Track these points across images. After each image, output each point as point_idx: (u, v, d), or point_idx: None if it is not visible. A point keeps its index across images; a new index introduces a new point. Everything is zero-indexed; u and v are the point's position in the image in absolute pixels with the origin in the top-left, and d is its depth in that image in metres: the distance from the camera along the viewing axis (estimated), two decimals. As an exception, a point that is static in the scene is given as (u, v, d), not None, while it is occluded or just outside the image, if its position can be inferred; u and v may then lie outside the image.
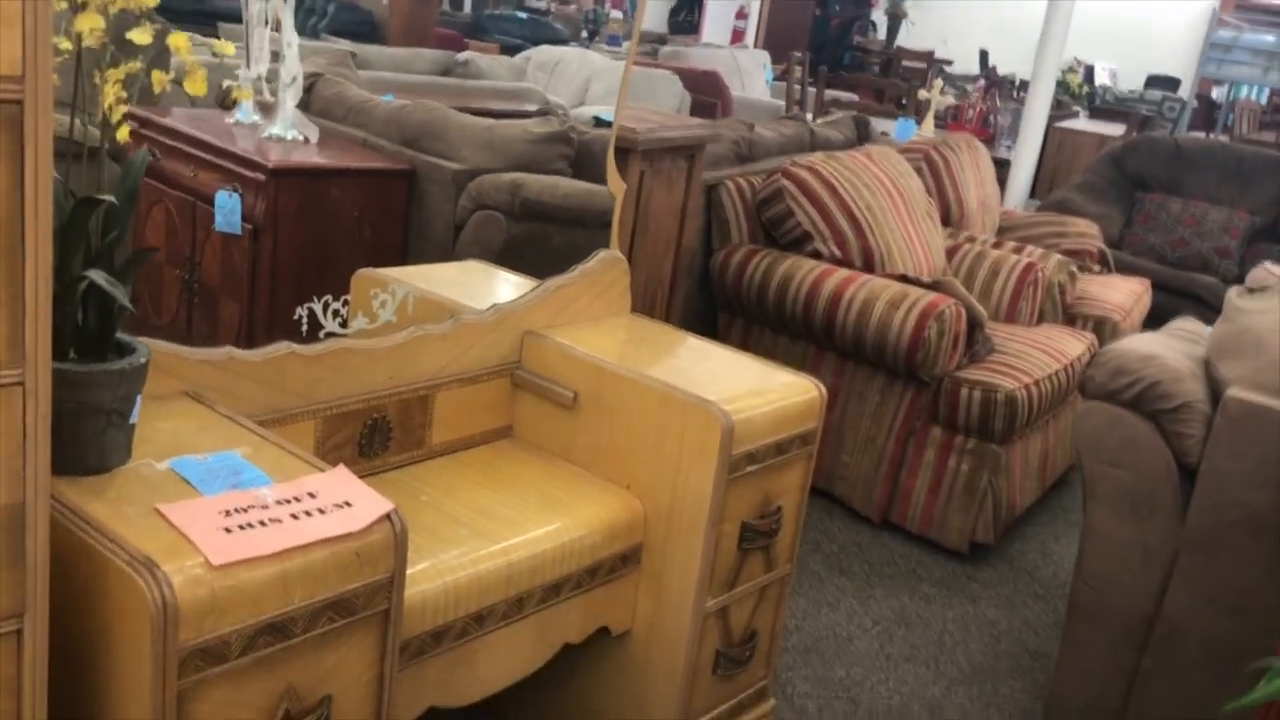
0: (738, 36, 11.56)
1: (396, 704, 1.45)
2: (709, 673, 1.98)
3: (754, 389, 1.94)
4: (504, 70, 6.18)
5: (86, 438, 1.28)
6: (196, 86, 1.29)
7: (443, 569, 1.62)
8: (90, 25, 1.16)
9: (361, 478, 1.43)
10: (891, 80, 8.94)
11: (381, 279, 2.03)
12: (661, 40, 9.16)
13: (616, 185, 2.21)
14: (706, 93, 5.94)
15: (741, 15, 11.68)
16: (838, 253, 3.27)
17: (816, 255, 3.28)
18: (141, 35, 1.19)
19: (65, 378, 1.24)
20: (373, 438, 1.83)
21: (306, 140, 3.05)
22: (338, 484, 1.37)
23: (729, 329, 3.42)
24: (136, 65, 1.22)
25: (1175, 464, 2.07)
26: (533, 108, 4.11)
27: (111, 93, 1.21)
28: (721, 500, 1.84)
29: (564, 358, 1.98)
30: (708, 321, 3.46)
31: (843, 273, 3.16)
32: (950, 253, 3.74)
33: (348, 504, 1.33)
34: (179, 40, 1.23)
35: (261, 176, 2.78)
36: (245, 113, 3.08)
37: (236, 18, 3.41)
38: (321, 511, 1.30)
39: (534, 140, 2.97)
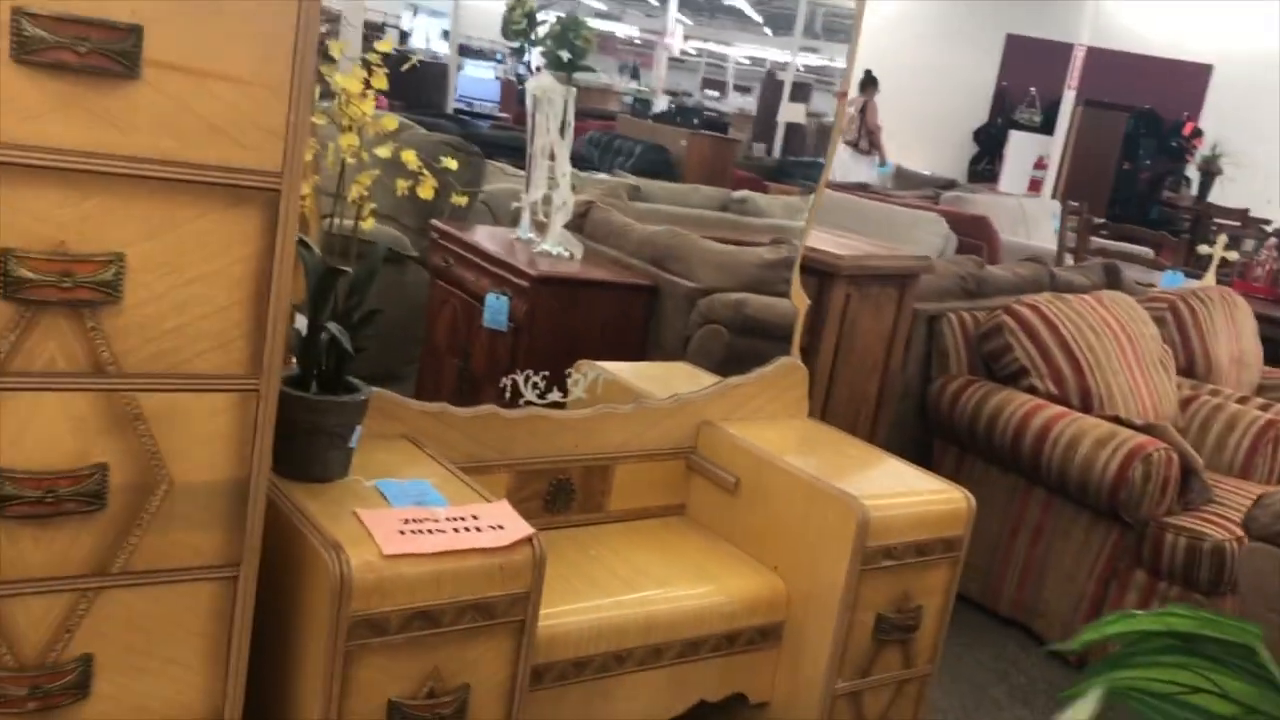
0: (1035, 186, 11.53)
1: (542, 722, 1.71)
2: (839, 754, 2.12)
3: (899, 490, 2.11)
4: (780, 208, 6.57)
5: (314, 453, 1.66)
6: (425, 191, 1.67)
7: (590, 609, 1.89)
8: (348, 143, 1.57)
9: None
10: (1161, 233, 8.62)
11: (586, 364, 2.37)
12: (950, 185, 9.32)
13: (799, 300, 2.46)
14: (973, 235, 6.06)
15: (1041, 165, 11.65)
16: (1054, 389, 3.34)
17: (1032, 390, 3.36)
18: (383, 150, 1.59)
19: (304, 403, 1.63)
20: (557, 496, 2.15)
21: (571, 256, 3.50)
22: (498, 512, 1.68)
23: (943, 456, 3.53)
24: (376, 173, 1.62)
25: (1340, 615, 2.04)
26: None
27: (357, 191, 1.62)
28: (855, 589, 2.01)
29: (730, 446, 2.23)
30: (923, 448, 3.58)
31: (1054, 409, 3.22)
32: (1185, 403, 3.69)
33: (501, 526, 1.63)
34: (409, 155, 1.62)
35: (525, 283, 3.22)
36: (524, 230, 3.57)
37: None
38: (479, 529, 1.61)
39: (763, 265, 3.27)
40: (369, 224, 1.68)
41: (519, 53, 3.75)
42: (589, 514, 2.20)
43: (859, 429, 3.11)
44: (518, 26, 3.62)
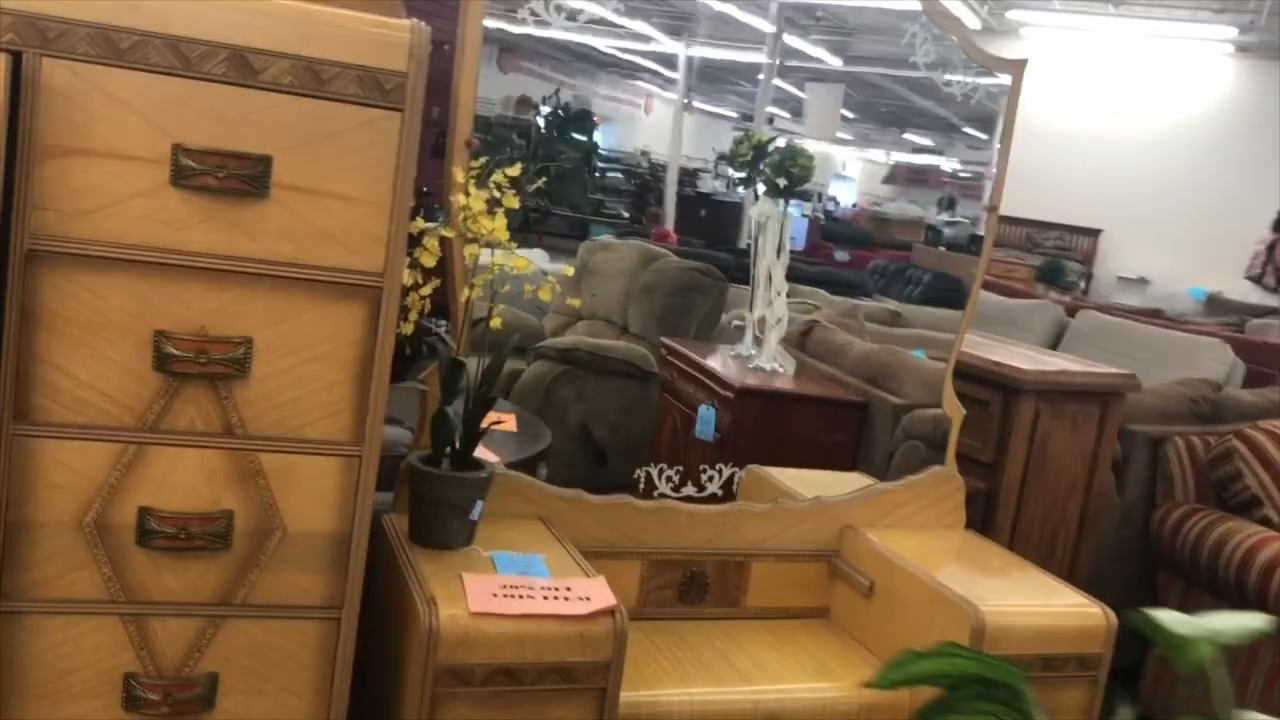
0: (1378, 314, 10.41)
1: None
2: None
3: (1029, 602, 2.07)
4: (1039, 327, 6.41)
5: (437, 521, 1.89)
6: (544, 294, 1.89)
7: (698, 694, 1.98)
8: (470, 252, 1.82)
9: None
10: None
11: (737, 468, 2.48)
12: (1261, 313, 8.65)
13: (953, 409, 2.47)
14: (1264, 364, 5.62)
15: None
16: (1290, 522, 3.08)
17: (1265, 522, 3.11)
18: (501, 259, 1.83)
19: (429, 478, 1.87)
20: (691, 587, 2.26)
21: (781, 370, 3.64)
22: (591, 586, 1.83)
23: (1169, 589, 3.31)
24: (487, 278, 1.85)
25: None
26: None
27: (471, 293, 1.86)
28: (971, 696, 1.97)
29: (868, 550, 2.27)
30: (1148, 580, 3.37)
31: (1285, 542, 2.97)
32: None
33: (588, 598, 1.78)
34: (520, 262, 1.85)
35: (730, 395, 3.38)
36: (745, 347, 3.75)
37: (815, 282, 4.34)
38: (568, 599, 1.77)
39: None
40: (496, 322, 1.92)
41: (746, 182, 3.97)
42: (724, 608, 2.29)
43: (1057, 551, 3.01)
44: (744, 159, 3.86)
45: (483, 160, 1.90)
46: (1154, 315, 7.43)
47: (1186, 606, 3.19)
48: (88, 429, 1.49)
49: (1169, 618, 0.90)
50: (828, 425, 3.48)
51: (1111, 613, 2.08)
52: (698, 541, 2.25)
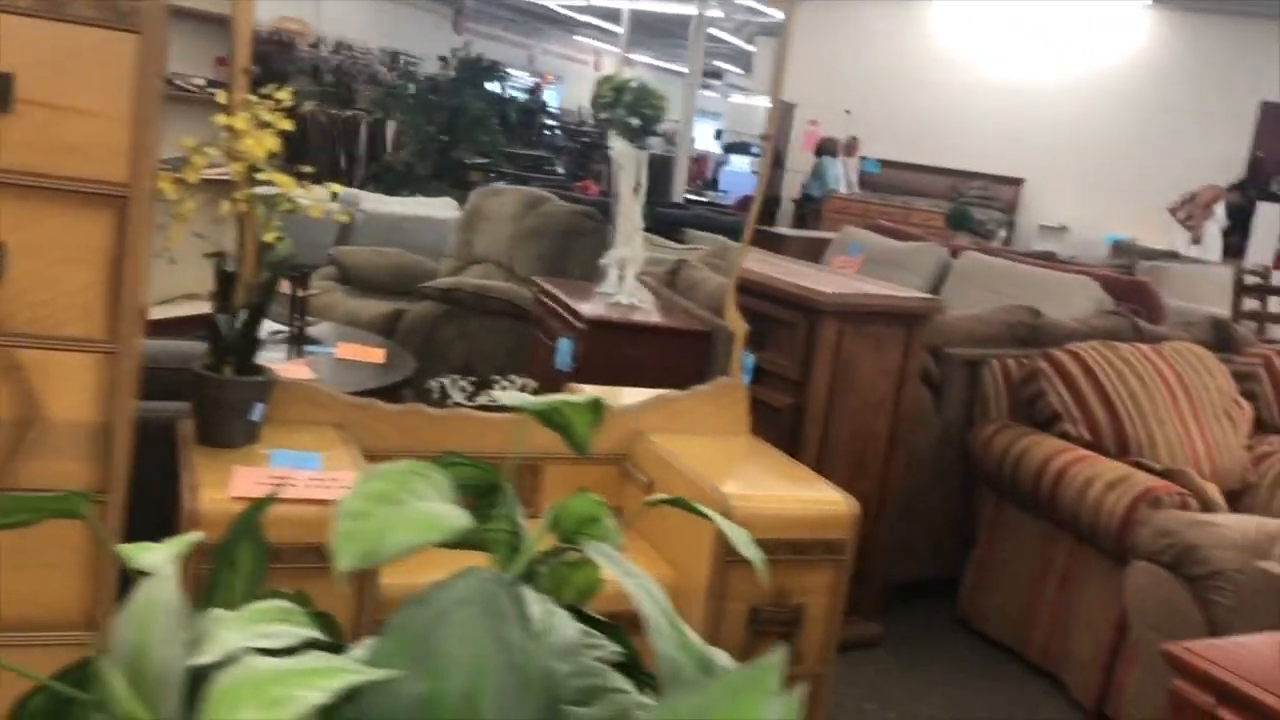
0: (1280, 261, 10.78)
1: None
2: (723, 741, 2.26)
3: (780, 493, 2.26)
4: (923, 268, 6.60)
5: (218, 422, 2.04)
6: (314, 211, 2.04)
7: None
8: (236, 170, 1.97)
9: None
10: None
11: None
12: (1154, 257, 8.93)
13: (735, 324, 2.65)
14: (1131, 300, 5.87)
15: (1288, 237, 10.90)
16: (1087, 436, 3.30)
17: (1065, 436, 3.33)
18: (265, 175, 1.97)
19: (208, 381, 2.02)
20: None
21: (639, 305, 3.80)
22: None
23: (983, 503, 3.54)
24: (247, 194, 2.00)
25: (1210, 634, 2.01)
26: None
27: (230, 209, 2.00)
28: (721, 577, 2.17)
29: (649, 452, 2.45)
30: (968, 494, 3.59)
31: (1076, 452, 3.20)
32: (1261, 459, 3.52)
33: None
34: (284, 180, 1.99)
35: (584, 326, 3.55)
36: (610, 285, 3.90)
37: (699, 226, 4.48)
38: (330, 488, 1.93)
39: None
40: (271, 238, 2.06)
41: (609, 123, 4.08)
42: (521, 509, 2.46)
43: (867, 464, 3.21)
44: (605, 100, 3.99)
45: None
46: (1046, 258, 7.65)
47: (999, 516, 3.43)
48: None
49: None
50: (676, 353, 3.64)
51: (855, 502, 2.28)
52: (491, 447, 2.42)
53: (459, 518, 0.77)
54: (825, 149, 12.08)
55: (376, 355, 3.72)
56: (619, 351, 3.56)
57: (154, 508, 1.86)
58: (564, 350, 3.76)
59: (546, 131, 11.28)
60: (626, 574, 0.78)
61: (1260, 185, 12.38)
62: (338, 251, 5.78)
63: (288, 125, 2.02)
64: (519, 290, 4.92)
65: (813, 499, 2.26)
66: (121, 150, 1.69)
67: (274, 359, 2.97)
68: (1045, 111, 13.16)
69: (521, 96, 11.00)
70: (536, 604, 0.85)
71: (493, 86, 8.63)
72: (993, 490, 3.49)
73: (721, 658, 0.80)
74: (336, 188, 2.09)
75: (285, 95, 2.01)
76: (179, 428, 2.12)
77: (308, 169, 2.08)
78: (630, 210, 3.92)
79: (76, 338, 1.73)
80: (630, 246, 3.89)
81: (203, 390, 2.03)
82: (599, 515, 0.91)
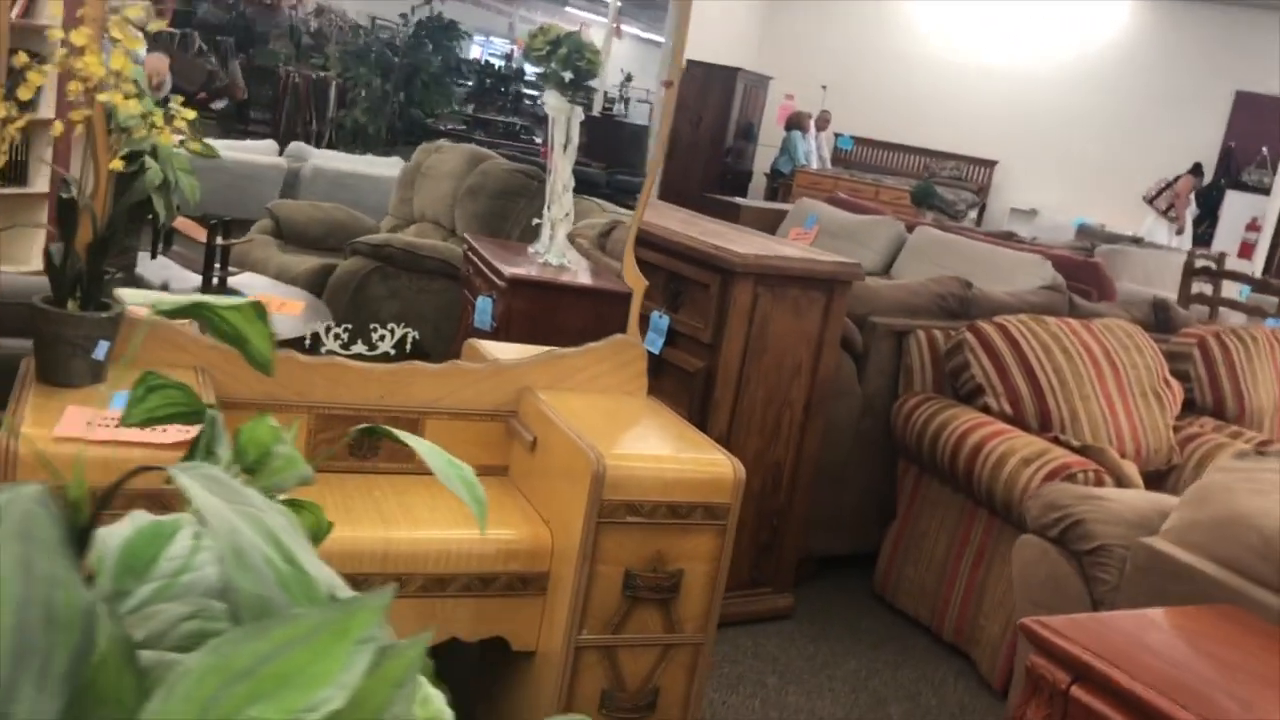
0: (1247, 250, 10.74)
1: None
2: (595, 710, 2.17)
3: (662, 454, 2.16)
4: (878, 242, 6.50)
5: (58, 360, 1.92)
6: (164, 138, 1.92)
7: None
8: (72, 89, 1.84)
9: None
10: None
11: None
12: (1136, 242, 8.89)
13: (634, 280, 2.55)
14: (1083, 280, 5.80)
15: (1254, 227, 10.86)
16: (1009, 410, 3.22)
17: (986, 409, 3.25)
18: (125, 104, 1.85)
19: (46, 315, 1.90)
20: (362, 443, 2.32)
21: (567, 265, 3.69)
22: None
23: (905, 476, 3.46)
24: (84, 114, 1.87)
25: (1093, 609, 1.93)
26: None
27: (59, 129, 1.88)
28: (593, 539, 2.08)
29: (535, 409, 2.35)
30: (890, 466, 3.51)
31: (992, 426, 3.11)
32: (1187, 440, 3.44)
33: (186, 432, 1.83)
34: (126, 104, 1.87)
35: (504, 284, 3.43)
36: (541, 244, 3.79)
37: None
38: (165, 432, 1.82)
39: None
40: (118, 165, 1.94)
41: (544, 77, 3.95)
42: (398, 463, 2.36)
43: (782, 431, 3.12)
44: (538, 52, 3.87)
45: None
46: (1006, 237, 7.57)
47: (919, 490, 3.34)
48: None
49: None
50: (596, 314, 3.53)
51: (740, 466, 2.18)
52: (368, 398, 2.31)
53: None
54: (794, 124, 11.96)
55: (294, 308, 3.60)
56: (539, 312, 3.45)
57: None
58: (483, 309, 3.65)
59: (527, 101, 11.12)
60: (228, 499, 0.67)
61: (1233, 175, 12.34)
62: (275, 205, 5.64)
63: (138, 45, 1.89)
64: (453, 249, 4.80)
65: (695, 460, 2.17)
66: (-72, 58, 1.57)
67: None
68: (1021, 95, 13.07)
69: (498, 63, 10.83)
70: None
71: (461, 50, 8.47)
72: (914, 464, 3.41)
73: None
74: (188, 114, 1.96)
75: (135, 11, 1.88)
76: (21, 363, 2.01)
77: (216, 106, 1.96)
78: (560, 168, 3.81)
79: (-121, 259, 1.61)
80: (559, 205, 3.78)
81: (41, 325, 1.91)
82: (279, 442, 0.80)
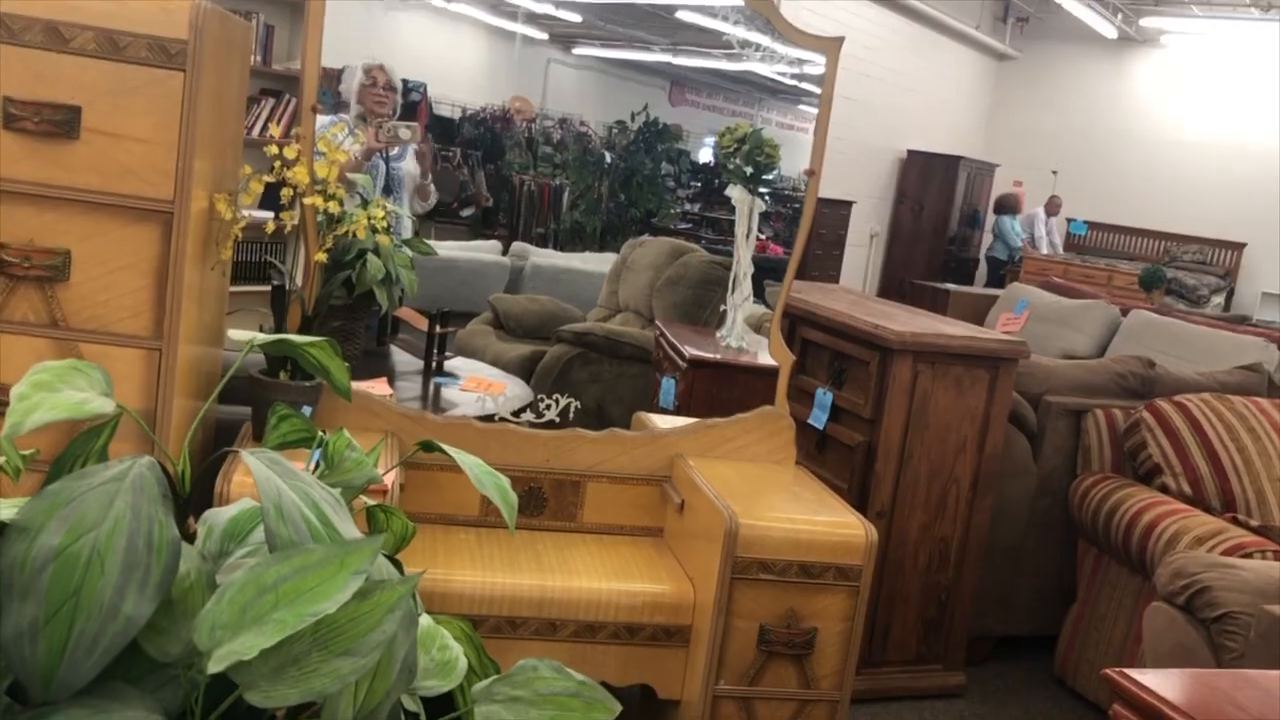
0: None
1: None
2: (734, 759, 2.29)
3: (795, 516, 2.29)
4: (1091, 326, 6.36)
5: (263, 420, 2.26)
6: (359, 231, 2.25)
7: (493, 580, 2.29)
8: (286, 193, 2.20)
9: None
10: None
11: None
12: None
13: (780, 356, 2.70)
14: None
15: None
16: (1188, 490, 3.14)
17: (1164, 489, 3.18)
18: (317, 201, 2.19)
19: (262, 384, 2.25)
20: (530, 500, 2.57)
21: (745, 347, 3.90)
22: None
23: (1084, 557, 3.40)
24: (292, 216, 2.22)
25: (1219, 679, 1.91)
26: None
27: (288, 218, 2.22)
28: (727, 593, 2.22)
29: (684, 474, 2.53)
30: (1070, 547, 3.46)
31: (1171, 506, 3.05)
32: (1396, 524, 3.24)
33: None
34: (329, 205, 2.21)
35: (685, 365, 3.67)
36: (726, 328, 4.02)
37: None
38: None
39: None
40: (321, 256, 2.28)
41: (731, 173, 4.21)
42: (561, 521, 2.59)
43: (949, 507, 3.17)
44: (726, 149, 4.15)
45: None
46: (1237, 322, 7.23)
47: (1098, 572, 3.31)
48: (-60, 319, 1.94)
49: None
50: (768, 391, 3.72)
51: (872, 530, 2.28)
52: (534, 461, 2.56)
53: (102, 404, 0.90)
54: (1003, 207, 11.73)
55: (498, 389, 3.94)
56: (714, 390, 3.64)
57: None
58: (667, 389, 3.88)
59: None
60: (281, 475, 0.90)
61: None
62: (494, 298, 6.12)
63: (342, 157, 2.25)
64: (647, 335, 5.08)
65: (828, 523, 2.28)
66: (169, 173, 1.95)
67: (402, 386, 3.27)
68: (1269, 173, 12.38)
69: (721, 162, 11.25)
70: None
71: (690, 151, 8.89)
72: (1092, 544, 3.36)
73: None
74: (378, 214, 2.30)
75: (337, 129, 2.24)
76: (242, 427, 2.37)
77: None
78: (741, 256, 4.02)
79: (129, 335, 1.99)
80: (739, 291, 3.99)
81: (257, 392, 2.26)
82: (352, 447, 1.02)
